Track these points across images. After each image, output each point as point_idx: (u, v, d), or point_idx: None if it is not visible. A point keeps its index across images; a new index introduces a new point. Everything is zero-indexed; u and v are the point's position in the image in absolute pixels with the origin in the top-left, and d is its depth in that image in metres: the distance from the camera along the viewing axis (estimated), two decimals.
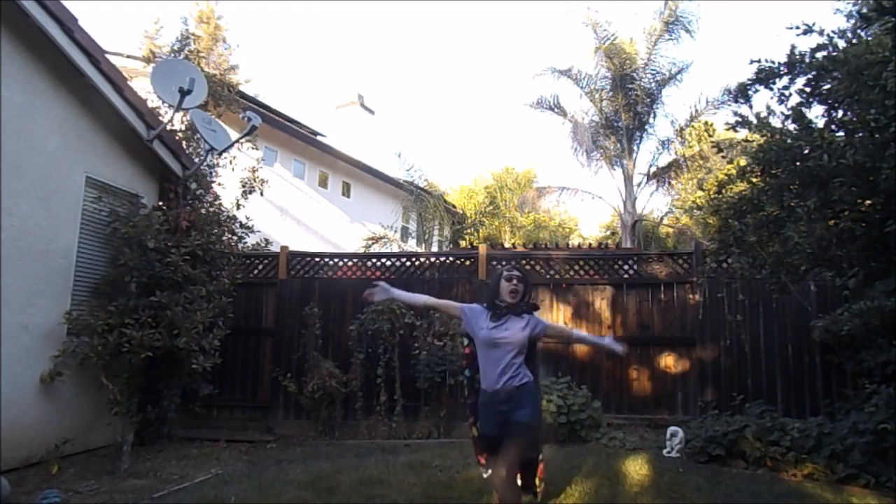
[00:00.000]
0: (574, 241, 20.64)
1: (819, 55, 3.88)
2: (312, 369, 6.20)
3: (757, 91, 4.26)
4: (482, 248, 6.74)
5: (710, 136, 8.54)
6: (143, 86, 6.52)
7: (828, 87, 3.96)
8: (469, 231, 16.78)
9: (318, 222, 13.34)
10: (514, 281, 3.14)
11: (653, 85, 13.57)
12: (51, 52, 4.75)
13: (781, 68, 4.06)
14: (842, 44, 3.88)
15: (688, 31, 13.13)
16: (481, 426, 3.15)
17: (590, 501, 3.74)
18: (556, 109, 14.54)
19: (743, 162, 4.65)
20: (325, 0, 48.40)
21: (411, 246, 15.61)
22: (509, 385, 2.97)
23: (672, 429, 5.06)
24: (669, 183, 14.79)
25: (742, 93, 4.30)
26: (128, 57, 8.28)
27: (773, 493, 3.95)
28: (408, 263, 6.84)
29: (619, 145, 14.11)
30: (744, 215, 4.38)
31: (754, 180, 4.35)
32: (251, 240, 6.80)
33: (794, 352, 5.82)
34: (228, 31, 8.34)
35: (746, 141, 4.55)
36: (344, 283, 6.79)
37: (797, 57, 3.97)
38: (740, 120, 4.25)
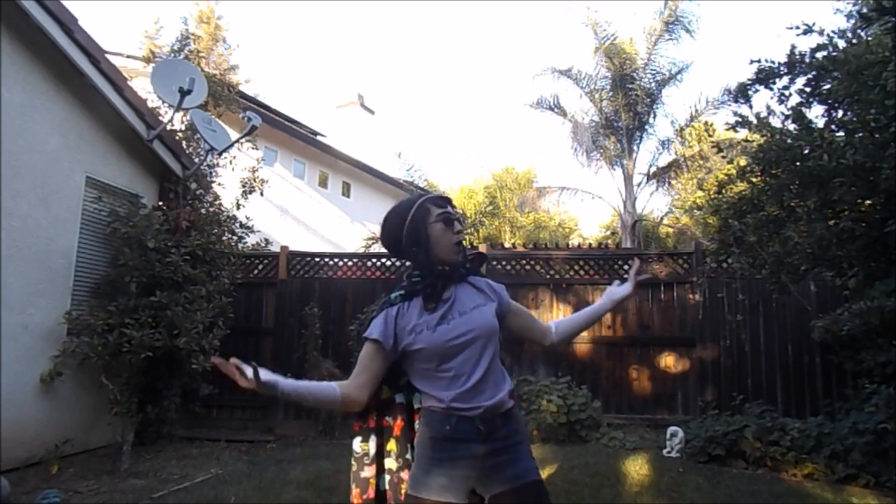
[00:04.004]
0: (574, 241, 20.61)
1: (819, 55, 3.87)
2: (312, 369, 6.18)
3: (757, 91, 4.25)
4: (482, 248, 6.75)
5: (710, 136, 8.52)
6: (143, 86, 6.52)
7: (828, 87, 3.96)
8: (469, 231, 16.77)
9: (318, 222, 13.34)
10: (458, 224, 1.75)
11: (653, 85, 13.56)
12: (51, 52, 4.74)
13: (781, 68, 4.05)
14: (842, 44, 3.87)
15: (688, 31, 13.14)
16: (420, 481, 1.55)
17: (590, 501, 3.74)
18: (556, 109, 14.54)
19: (743, 162, 4.64)
20: (326, 0, 48.44)
21: None
22: (496, 405, 1.55)
23: (672, 429, 5.06)
24: (669, 183, 14.79)
25: (742, 93, 4.29)
26: (128, 57, 8.28)
27: (773, 493, 3.95)
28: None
29: (619, 145, 14.11)
30: (744, 215, 4.38)
31: (754, 180, 4.34)
32: (251, 240, 6.81)
33: (794, 352, 5.82)
34: (228, 31, 8.37)
35: (746, 141, 4.54)
36: (344, 283, 6.80)
37: (797, 57, 3.96)
38: (740, 120, 4.24)
